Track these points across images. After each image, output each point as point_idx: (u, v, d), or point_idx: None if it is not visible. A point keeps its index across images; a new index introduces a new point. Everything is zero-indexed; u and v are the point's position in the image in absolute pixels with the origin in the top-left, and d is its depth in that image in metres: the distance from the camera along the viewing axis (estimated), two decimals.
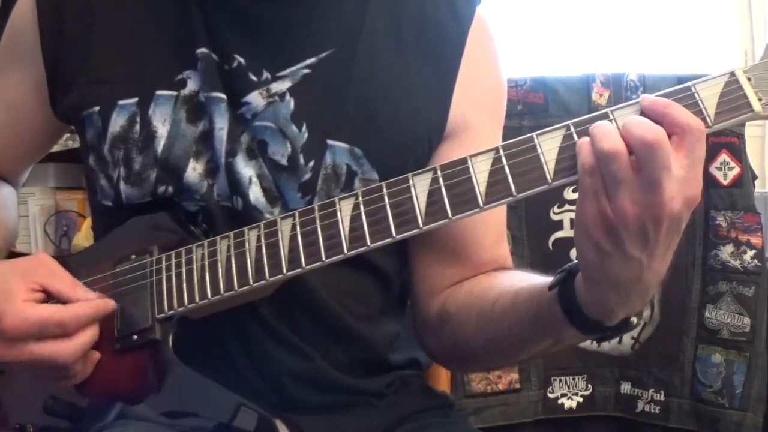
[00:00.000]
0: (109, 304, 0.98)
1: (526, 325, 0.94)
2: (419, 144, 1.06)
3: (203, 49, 1.03)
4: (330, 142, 1.02)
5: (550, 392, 1.99)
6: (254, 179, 1.02)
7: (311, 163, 1.02)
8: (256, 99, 1.02)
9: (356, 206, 0.90)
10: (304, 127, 1.02)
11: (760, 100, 0.80)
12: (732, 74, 0.81)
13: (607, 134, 0.78)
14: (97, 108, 1.05)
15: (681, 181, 0.77)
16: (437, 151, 1.07)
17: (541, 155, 0.83)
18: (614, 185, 0.77)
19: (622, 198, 0.77)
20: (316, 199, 1.01)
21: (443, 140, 1.07)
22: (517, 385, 1.97)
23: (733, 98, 0.81)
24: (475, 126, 1.08)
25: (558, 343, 0.95)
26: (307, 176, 1.02)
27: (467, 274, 1.07)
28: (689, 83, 0.82)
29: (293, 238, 0.92)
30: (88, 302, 0.97)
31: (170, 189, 1.03)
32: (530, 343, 0.97)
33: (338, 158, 1.02)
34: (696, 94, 0.81)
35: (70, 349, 0.94)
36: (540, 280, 0.94)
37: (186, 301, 0.96)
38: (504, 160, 0.85)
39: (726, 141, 1.88)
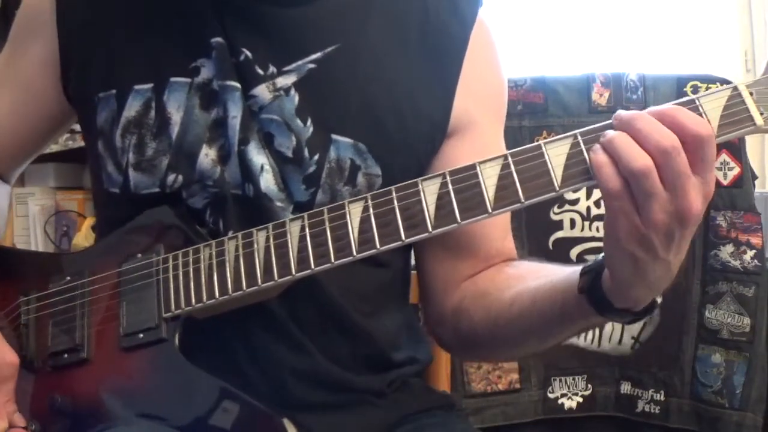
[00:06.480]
0: None
1: (550, 320, 0.96)
2: (422, 142, 1.07)
3: (218, 39, 1.03)
4: (334, 136, 1.03)
5: (550, 392, 1.99)
6: (266, 167, 1.02)
7: (316, 157, 1.03)
8: (262, 92, 1.03)
9: (365, 209, 0.91)
10: (309, 122, 1.03)
11: (762, 114, 0.83)
12: (735, 88, 0.84)
13: (634, 151, 0.80)
14: (114, 91, 1.06)
15: (698, 184, 0.80)
16: (442, 149, 1.08)
17: (549, 163, 0.85)
18: (646, 200, 0.79)
19: (653, 211, 0.79)
20: (320, 192, 1.03)
21: (447, 138, 1.08)
22: (517, 385, 1.97)
23: (735, 111, 0.83)
24: (478, 123, 1.10)
25: (584, 329, 1.00)
26: (312, 169, 1.03)
27: (478, 267, 1.09)
28: (693, 96, 0.84)
29: (302, 239, 0.92)
30: None
31: (180, 178, 1.03)
32: (555, 334, 1.01)
33: (342, 153, 1.03)
34: (700, 107, 0.83)
35: None
36: (557, 275, 0.96)
37: (193, 301, 0.96)
38: (512, 166, 0.86)
39: (726, 141, 1.88)
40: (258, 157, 1.02)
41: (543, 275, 0.99)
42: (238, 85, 1.02)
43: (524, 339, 1.04)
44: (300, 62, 1.04)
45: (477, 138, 1.09)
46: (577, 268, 0.92)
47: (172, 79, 1.04)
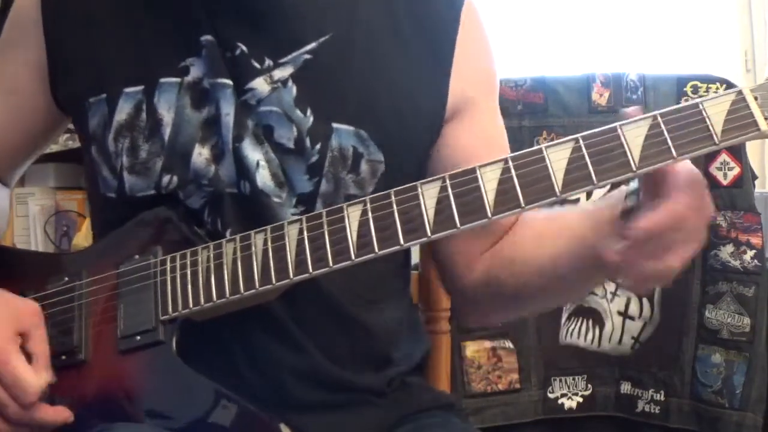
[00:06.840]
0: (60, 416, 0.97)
1: (573, 281, 1.03)
2: (422, 127, 1.08)
3: (208, 37, 1.04)
4: (335, 125, 1.04)
5: (550, 392, 1.99)
6: (262, 163, 1.02)
7: (318, 146, 1.03)
8: (261, 85, 1.03)
9: (364, 213, 0.91)
10: (308, 112, 1.04)
11: (766, 119, 0.82)
12: (739, 92, 0.83)
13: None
14: (104, 95, 1.05)
15: None
16: (442, 132, 1.09)
17: (549, 167, 0.85)
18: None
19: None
20: (324, 182, 1.03)
21: (446, 121, 1.09)
22: (517, 385, 1.97)
23: (739, 116, 0.83)
24: (475, 104, 1.11)
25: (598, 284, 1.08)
26: (314, 159, 1.03)
27: (497, 237, 1.10)
28: (697, 100, 0.83)
29: (300, 242, 0.92)
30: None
31: (175, 179, 1.03)
32: (576, 289, 1.13)
33: (344, 141, 1.04)
34: (703, 111, 0.83)
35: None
36: (570, 231, 0.98)
37: (191, 304, 0.96)
38: (513, 170, 0.86)
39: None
40: (253, 153, 1.02)
41: (561, 228, 1.01)
42: (229, 82, 1.03)
43: (549, 298, 1.13)
44: (295, 54, 1.04)
45: (475, 118, 1.10)
46: (597, 207, 0.96)
47: (162, 79, 1.04)
